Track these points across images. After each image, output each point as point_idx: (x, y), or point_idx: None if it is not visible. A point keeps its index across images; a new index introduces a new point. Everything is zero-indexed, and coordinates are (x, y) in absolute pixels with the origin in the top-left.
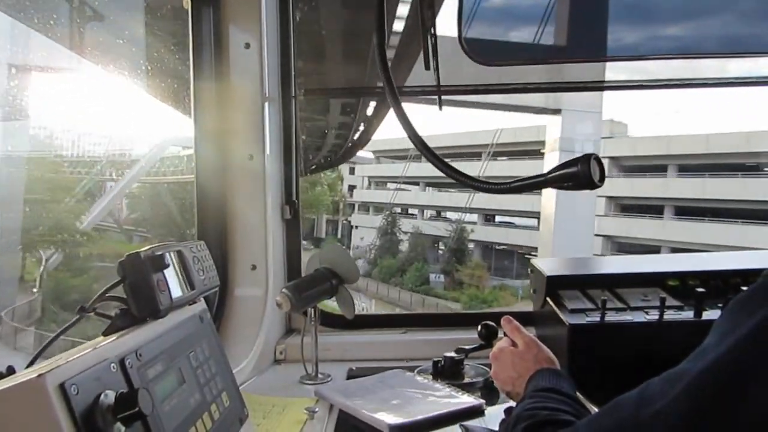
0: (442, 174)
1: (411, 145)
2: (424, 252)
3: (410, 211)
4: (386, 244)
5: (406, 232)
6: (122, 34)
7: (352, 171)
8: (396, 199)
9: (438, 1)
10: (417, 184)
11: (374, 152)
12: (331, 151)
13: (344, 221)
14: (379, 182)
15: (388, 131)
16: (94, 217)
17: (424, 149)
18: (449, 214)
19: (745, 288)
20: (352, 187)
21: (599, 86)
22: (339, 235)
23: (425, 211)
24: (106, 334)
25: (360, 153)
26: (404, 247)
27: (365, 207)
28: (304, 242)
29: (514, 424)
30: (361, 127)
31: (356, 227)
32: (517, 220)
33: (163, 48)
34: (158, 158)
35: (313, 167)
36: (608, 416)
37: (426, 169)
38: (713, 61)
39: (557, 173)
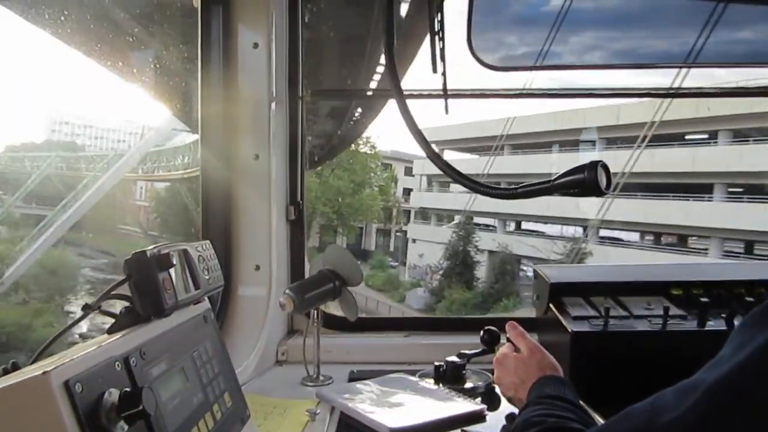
0: (531, 171)
1: (496, 131)
2: (514, 282)
3: (473, 220)
4: (457, 268)
5: (482, 250)
6: (131, 31)
7: (408, 171)
8: (471, 205)
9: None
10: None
11: (437, 143)
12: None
13: (397, 231)
14: (444, 183)
15: (458, 114)
16: (58, 227)
17: (426, 148)
18: (537, 226)
19: (749, 299)
20: (408, 191)
21: (612, 93)
22: (391, 248)
23: (507, 222)
24: (110, 332)
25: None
26: (482, 272)
27: (424, 214)
28: None
29: (522, 429)
30: (355, 116)
31: (413, 240)
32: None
33: (171, 46)
34: (149, 149)
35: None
36: (619, 425)
37: (512, 164)
38: None
39: (563, 180)
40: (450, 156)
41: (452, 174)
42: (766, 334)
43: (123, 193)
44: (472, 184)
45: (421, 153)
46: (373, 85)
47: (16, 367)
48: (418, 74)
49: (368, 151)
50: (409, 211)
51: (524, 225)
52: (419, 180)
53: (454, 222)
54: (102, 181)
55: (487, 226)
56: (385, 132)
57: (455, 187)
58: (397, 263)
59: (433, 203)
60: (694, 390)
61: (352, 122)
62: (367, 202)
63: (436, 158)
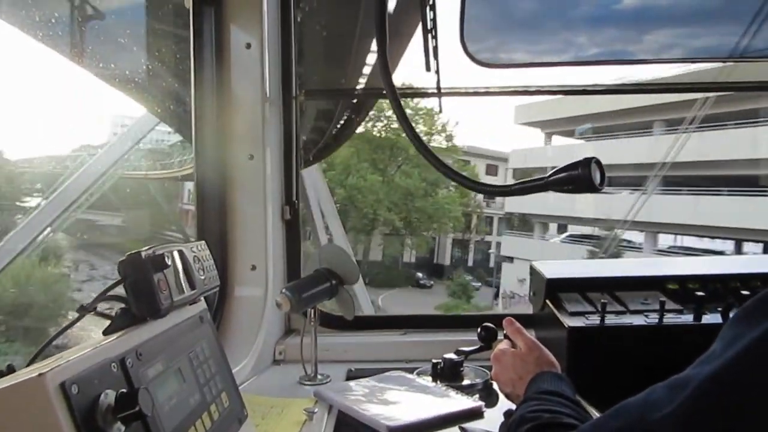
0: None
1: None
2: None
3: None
4: None
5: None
6: (123, 32)
7: (492, 170)
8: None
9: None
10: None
11: (540, 124)
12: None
13: (477, 242)
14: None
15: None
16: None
17: (421, 147)
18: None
19: (745, 292)
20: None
21: (606, 90)
22: (469, 262)
23: (658, 237)
24: (106, 333)
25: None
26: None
27: (517, 222)
28: (419, 275)
29: (516, 425)
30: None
31: (510, 259)
32: None
33: (163, 47)
34: (132, 143)
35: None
36: (613, 420)
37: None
38: None
39: (558, 176)
40: (559, 142)
41: (448, 172)
42: (756, 329)
43: (168, 196)
44: (469, 182)
45: (507, 148)
46: (359, 83)
47: (11, 370)
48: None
49: (444, 144)
50: (491, 218)
51: (662, 240)
52: (504, 179)
53: (570, 234)
54: (71, 180)
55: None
56: (459, 123)
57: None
58: (480, 284)
59: (532, 208)
60: (686, 385)
61: (343, 119)
62: (444, 207)
63: (432, 157)
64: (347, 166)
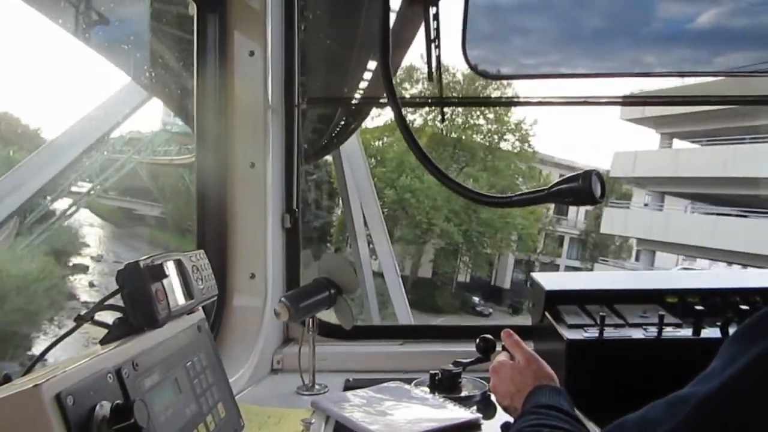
0: None
1: None
2: None
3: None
4: None
5: None
6: (127, 39)
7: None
8: None
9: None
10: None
11: (654, 121)
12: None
13: (544, 264)
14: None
15: None
16: None
17: (419, 153)
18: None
19: (744, 307)
20: (561, 208)
21: (612, 102)
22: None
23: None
24: (103, 343)
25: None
26: None
27: (593, 246)
28: (475, 299)
29: None
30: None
31: None
32: None
33: (167, 54)
34: (107, 128)
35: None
36: None
37: None
38: None
39: (558, 188)
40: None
41: (444, 179)
42: (756, 347)
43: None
44: (469, 192)
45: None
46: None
47: (7, 379)
48: None
49: (518, 146)
50: (561, 238)
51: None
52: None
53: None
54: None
55: None
56: (537, 121)
57: (673, 203)
58: None
59: (641, 232)
60: (686, 403)
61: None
62: (516, 221)
63: (427, 162)
64: (401, 162)
